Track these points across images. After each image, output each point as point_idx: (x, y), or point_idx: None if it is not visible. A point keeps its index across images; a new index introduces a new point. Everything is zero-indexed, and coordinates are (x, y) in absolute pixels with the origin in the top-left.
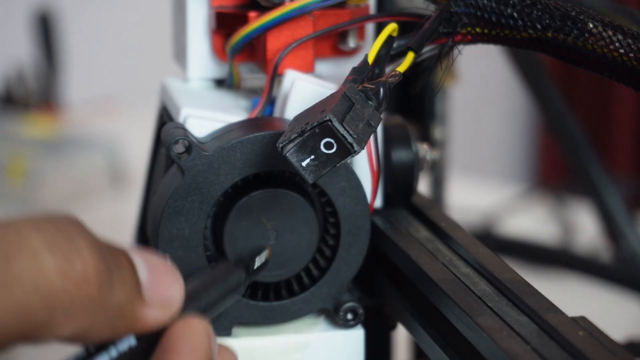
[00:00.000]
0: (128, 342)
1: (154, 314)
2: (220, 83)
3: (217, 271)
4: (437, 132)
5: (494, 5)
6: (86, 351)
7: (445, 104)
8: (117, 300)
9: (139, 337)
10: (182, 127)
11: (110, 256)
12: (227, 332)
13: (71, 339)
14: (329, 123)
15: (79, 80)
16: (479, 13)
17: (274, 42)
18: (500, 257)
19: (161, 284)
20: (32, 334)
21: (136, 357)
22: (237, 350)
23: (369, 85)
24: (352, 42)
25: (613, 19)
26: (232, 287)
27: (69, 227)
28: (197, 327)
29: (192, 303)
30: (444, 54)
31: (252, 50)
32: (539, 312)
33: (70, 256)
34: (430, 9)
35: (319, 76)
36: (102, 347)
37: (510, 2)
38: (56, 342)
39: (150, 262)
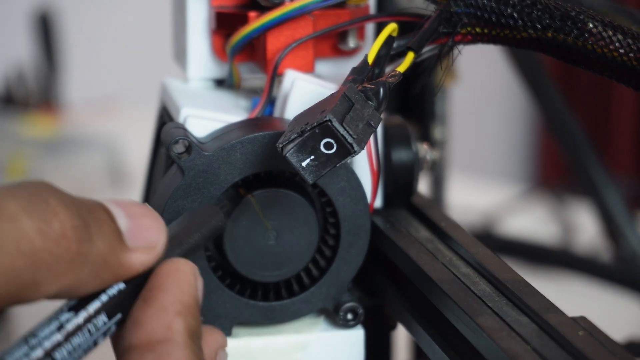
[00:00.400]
0: (117, 287)
1: (138, 258)
2: (220, 83)
3: (198, 214)
4: (437, 132)
5: (494, 5)
6: (78, 300)
7: (445, 104)
8: (99, 251)
9: (128, 281)
10: (182, 127)
11: (86, 211)
12: (227, 332)
13: (60, 295)
14: (329, 123)
15: (79, 80)
16: (479, 13)
17: (274, 42)
18: (500, 257)
19: (142, 228)
20: (20, 295)
21: (126, 298)
22: (237, 350)
23: (369, 86)
24: (352, 42)
25: (613, 19)
26: (213, 228)
27: (43, 190)
28: (182, 266)
29: (175, 246)
30: (444, 54)
31: (252, 50)
32: (539, 312)
33: (46, 217)
34: (430, 9)
35: (319, 76)
36: (93, 294)
37: (510, 2)
38: (46, 300)
39: (128, 209)
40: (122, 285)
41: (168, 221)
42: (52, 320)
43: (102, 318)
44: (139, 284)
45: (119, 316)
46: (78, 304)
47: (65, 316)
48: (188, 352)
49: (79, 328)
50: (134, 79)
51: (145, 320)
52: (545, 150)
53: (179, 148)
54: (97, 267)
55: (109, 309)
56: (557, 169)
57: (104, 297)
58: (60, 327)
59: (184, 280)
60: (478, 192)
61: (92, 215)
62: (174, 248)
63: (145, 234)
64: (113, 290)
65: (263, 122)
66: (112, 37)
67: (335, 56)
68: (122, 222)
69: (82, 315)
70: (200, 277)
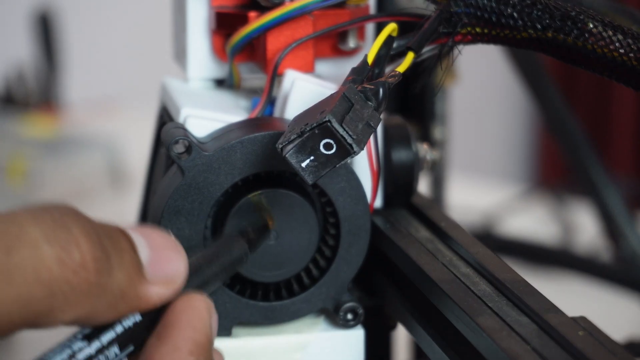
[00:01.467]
0: (133, 319)
1: (157, 292)
2: (220, 83)
3: (220, 244)
4: (437, 132)
5: (494, 5)
6: (92, 328)
7: (445, 104)
8: (118, 283)
9: (144, 314)
10: (182, 127)
11: (108, 240)
12: (227, 332)
13: (74, 323)
14: (328, 124)
15: (79, 80)
16: (479, 13)
17: (274, 42)
18: (500, 257)
19: (163, 261)
20: (35, 321)
21: (140, 331)
22: (237, 350)
23: (369, 86)
24: (352, 42)
25: (613, 19)
26: (235, 260)
27: (65, 217)
28: (197, 303)
29: (195, 277)
30: (444, 54)
31: (252, 50)
32: (539, 312)
33: (67, 246)
34: (430, 9)
35: (319, 76)
36: (108, 324)
37: (510, 2)
38: (60, 326)
39: (151, 238)
40: (138, 318)
41: (169, 222)
42: (64, 348)
43: (115, 350)
44: (155, 316)
45: (131, 348)
46: (92, 334)
47: (77, 345)
48: None
49: (90, 358)
50: (134, 79)
51: (158, 358)
52: (545, 150)
53: (179, 148)
54: (114, 299)
55: (122, 340)
56: (557, 169)
57: (118, 329)
58: (71, 356)
59: (198, 318)
60: (478, 192)
61: (113, 245)
62: (193, 279)
63: (165, 268)
64: (128, 322)
65: (263, 122)
66: (112, 37)
67: (335, 56)
68: (144, 252)
69: (95, 346)
70: (215, 314)
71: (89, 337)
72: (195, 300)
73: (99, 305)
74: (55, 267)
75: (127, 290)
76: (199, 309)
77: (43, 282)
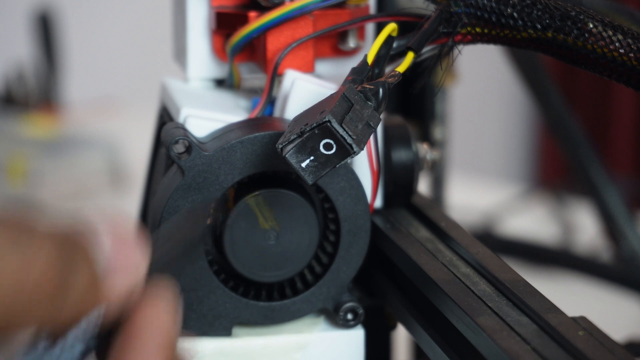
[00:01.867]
0: (97, 318)
1: (118, 287)
2: (220, 83)
3: (178, 225)
4: (437, 132)
5: (494, 5)
6: (56, 330)
7: (445, 104)
8: (79, 287)
9: (107, 317)
10: (182, 127)
11: (71, 241)
12: (227, 332)
13: (39, 325)
14: (328, 124)
15: (79, 80)
16: (479, 13)
17: (274, 42)
18: (500, 257)
19: (123, 255)
20: None
21: (105, 328)
22: (237, 350)
23: (369, 86)
24: (352, 42)
25: (613, 19)
26: (197, 239)
27: (30, 219)
28: (161, 300)
29: (158, 264)
30: (444, 54)
31: (252, 50)
32: (539, 312)
33: (31, 251)
34: (430, 9)
35: (319, 76)
36: (74, 325)
37: (510, 2)
38: (21, 332)
39: (112, 236)
40: (101, 318)
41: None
42: (30, 351)
43: (79, 347)
44: (118, 316)
45: (95, 348)
46: (57, 335)
47: (42, 346)
48: None
49: None
50: (134, 79)
51: (125, 357)
52: (545, 150)
53: (179, 148)
54: (77, 298)
55: (87, 340)
56: (557, 169)
57: (84, 327)
58: None
59: (163, 310)
60: (478, 192)
61: (76, 245)
62: (157, 263)
63: (125, 261)
64: (92, 323)
65: (263, 122)
66: (112, 37)
67: (335, 56)
68: (106, 248)
69: (59, 347)
70: (178, 300)
71: (54, 339)
72: (158, 297)
73: (63, 306)
74: (19, 273)
75: (90, 289)
76: (162, 302)
77: (5, 288)
